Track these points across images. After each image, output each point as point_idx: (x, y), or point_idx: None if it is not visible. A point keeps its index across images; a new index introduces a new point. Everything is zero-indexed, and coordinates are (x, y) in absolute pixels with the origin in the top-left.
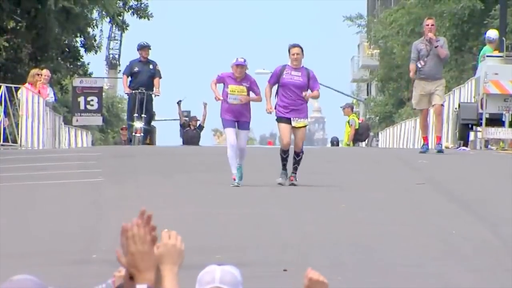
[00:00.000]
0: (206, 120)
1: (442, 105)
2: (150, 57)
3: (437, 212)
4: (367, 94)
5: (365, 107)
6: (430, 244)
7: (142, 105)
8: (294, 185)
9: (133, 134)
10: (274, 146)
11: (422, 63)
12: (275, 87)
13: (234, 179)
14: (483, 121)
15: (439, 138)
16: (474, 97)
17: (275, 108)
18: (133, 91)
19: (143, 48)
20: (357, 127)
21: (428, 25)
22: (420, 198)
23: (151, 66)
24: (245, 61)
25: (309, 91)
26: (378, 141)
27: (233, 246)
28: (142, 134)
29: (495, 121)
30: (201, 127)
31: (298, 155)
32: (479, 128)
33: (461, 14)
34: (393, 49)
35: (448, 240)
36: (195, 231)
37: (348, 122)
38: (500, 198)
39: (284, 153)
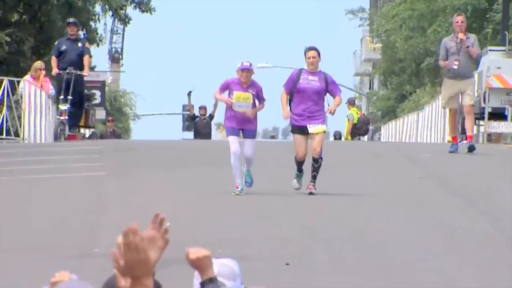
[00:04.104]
0: (217, 110)
1: (473, 105)
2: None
3: (439, 206)
4: (370, 88)
5: (367, 101)
6: (432, 238)
7: (69, 86)
8: (313, 194)
9: (58, 117)
10: (276, 140)
11: (457, 63)
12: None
13: (237, 187)
14: (486, 115)
15: (470, 138)
16: (476, 91)
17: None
18: (61, 71)
19: (69, 25)
20: (355, 121)
21: (458, 22)
22: (422, 192)
23: (79, 44)
24: (251, 65)
25: (331, 102)
26: (380, 135)
27: (234, 240)
28: (66, 117)
29: (498, 115)
30: (211, 117)
31: (316, 161)
32: (481, 122)
33: (463, 8)
34: (395, 43)
35: (451, 235)
36: (197, 225)
37: (347, 116)
38: (503, 192)
39: (300, 163)
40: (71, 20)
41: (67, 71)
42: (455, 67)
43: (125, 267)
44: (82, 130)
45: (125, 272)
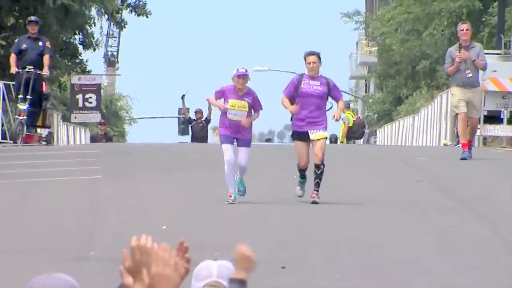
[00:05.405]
0: (212, 113)
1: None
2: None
3: (435, 209)
4: (366, 92)
5: (363, 105)
6: (428, 241)
7: (28, 85)
8: (317, 203)
9: (16, 116)
10: (272, 143)
11: (469, 71)
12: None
13: (230, 196)
14: (482, 119)
15: (469, 142)
16: None
17: (290, 120)
18: (20, 70)
19: (30, 23)
20: (350, 124)
21: (462, 30)
22: (418, 195)
23: (40, 43)
24: (246, 71)
25: (333, 105)
26: (376, 138)
27: (231, 243)
28: (25, 117)
29: (494, 118)
30: (207, 120)
31: (318, 167)
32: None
33: (459, 12)
34: (391, 46)
35: (447, 237)
36: (194, 228)
37: (342, 119)
38: (499, 195)
39: (303, 171)
40: (32, 18)
41: (27, 70)
42: (470, 75)
43: (150, 281)
44: (39, 130)
45: (150, 286)
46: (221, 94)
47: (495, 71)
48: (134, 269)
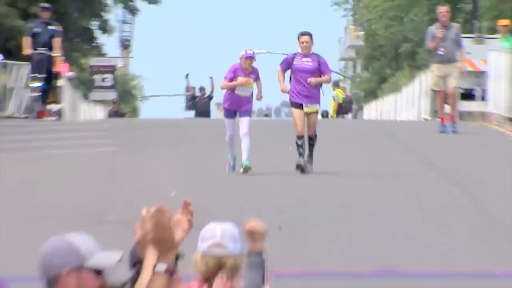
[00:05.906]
0: (215, 90)
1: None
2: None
3: (417, 180)
4: (353, 72)
5: (351, 83)
6: (413, 211)
7: (41, 65)
8: (310, 172)
9: (31, 94)
10: (270, 118)
11: (442, 49)
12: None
13: (230, 162)
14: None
15: (452, 117)
16: None
17: (288, 93)
18: (33, 52)
19: (44, 9)
20: (340, 101)
21: (442, 12)
22: (402, 167)
23: (52, 27)
24: (253, 53)
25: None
26: (363, 113)
27: (234, 209)
28: (39, 93)
29: (468, 95)
30: (210, 97)
31: (311, 139)
32: None
33: None
34: (376, 31)
35: (430, 208)
36: (199, 195)
37: (333, 96)
38: (476, 166)
39: (299, 139)
40: (45, 5)
41: (39, 51)
42: (441, 53)
43: (152, 241)
44: (49, 106)
45: (151, 245)
46: (233, 74)
47: (469, 53)
48: (146, 239)
